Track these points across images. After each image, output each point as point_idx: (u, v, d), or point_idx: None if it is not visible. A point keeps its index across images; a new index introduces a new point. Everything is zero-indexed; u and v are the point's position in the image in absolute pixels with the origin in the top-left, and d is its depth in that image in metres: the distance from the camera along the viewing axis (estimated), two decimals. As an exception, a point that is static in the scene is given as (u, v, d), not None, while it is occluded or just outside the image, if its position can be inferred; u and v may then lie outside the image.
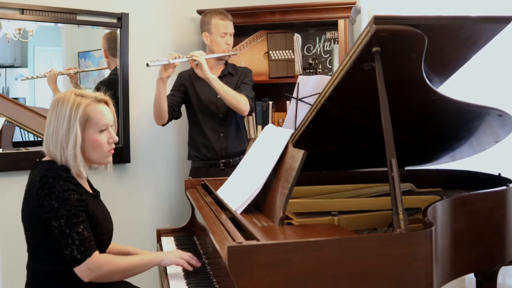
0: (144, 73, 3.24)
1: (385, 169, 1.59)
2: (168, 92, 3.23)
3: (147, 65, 2.88)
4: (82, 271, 1.83)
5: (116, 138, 2.01)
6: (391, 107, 1.64)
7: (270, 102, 3.73)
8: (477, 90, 3.19)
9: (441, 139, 2.39)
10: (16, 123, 3.05)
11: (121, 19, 3.35)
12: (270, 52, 3.67)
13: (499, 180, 2.34)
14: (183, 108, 3.33)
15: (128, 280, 2.05)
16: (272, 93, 3.77)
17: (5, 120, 2.97)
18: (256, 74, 3.43)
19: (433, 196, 2.19)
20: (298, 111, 2.83)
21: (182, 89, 3.27)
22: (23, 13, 3.00)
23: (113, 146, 2.01)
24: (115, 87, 3.35)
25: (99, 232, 1.96)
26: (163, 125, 3.20)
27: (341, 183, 2.51)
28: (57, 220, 1.82)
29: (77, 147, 1.90)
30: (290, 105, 2.90)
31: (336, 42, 3.61)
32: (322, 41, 3.74)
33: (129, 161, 3.45)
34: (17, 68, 3.13)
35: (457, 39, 1.88)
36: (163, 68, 3.00)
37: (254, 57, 3.72)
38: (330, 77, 1.96)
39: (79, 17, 3.20)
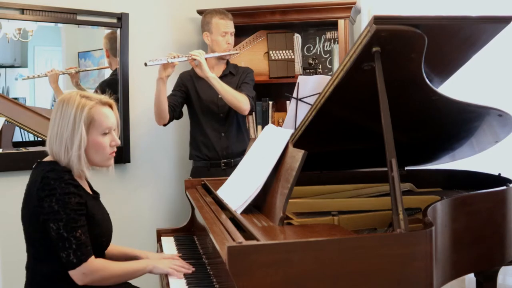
0: (144, 73, 3.24)
1: (385, 169, 1.59)
2: (169, 92, 3.23)
3: (145, 64, 2.89)
4: (77, 275, 1.85)
5: (118, 142, 2.02)
6: (391, 107, 1.64)
7: (270, 102, 3.74)
8: (477, 90, 3.19)
9: (441, 139, 2.39)
10: (16, 123, 3.04)
11: (121, 19, 3.35)
12: (270, 52, 3.68)
13: (499, 180, 2.34)
14: (184, 108, 3.33)
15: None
16: (272, 93, 3.77)
17: (5, 120, 2.97)
18: (256, 74, 3.43)
19: (433, 196, 2.19)
20: (298, 111, 2.83)
21: (183, 89, 3.27)
22: (23, 13, 3.00)
23: (115, 149, 2.02)
24: (116, 87, 3.35)
25: (99, 234, 1.96)
26: (164, 125, 3.20)
27: (341, 183, 2.50)
28: (55, 223, 1.83)
29: (81, 149, 1.90)
30: (290, 105, 2.90)
31: (336, 42, 3.61)
32: (322, 41, 3.74)
33: (129, 161, 3.45)
34: (17, 68, 3.13)
35: (457, 39, 1.88)
36: (162, 68, 3.00)
37: (254, 57, 3.72)
38: (330, 77, 1.96)
39: (79, 17, 3.20)
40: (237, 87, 3.22)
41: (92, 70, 3.37)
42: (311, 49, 3.77)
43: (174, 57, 3.01)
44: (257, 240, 1.49)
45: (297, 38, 3.70)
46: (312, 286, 1.43)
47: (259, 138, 2.16)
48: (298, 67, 3.69)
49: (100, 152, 1.97)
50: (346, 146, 2.35)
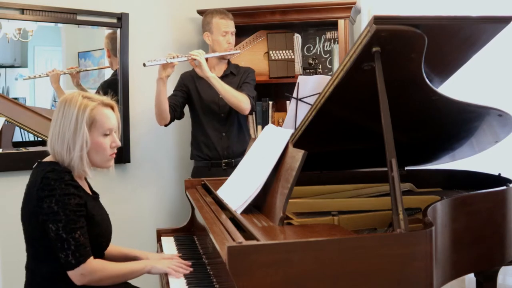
0: (144, 73, 3.24)
1: (385, 169, 1.59)
2: (170, 92, 3.23)
3: (144, 65, 2.89)
4: (75, 275, 1.85)
5: (119, 143, 2.03)
6: (391, 107, 1.64)
7: (270, 102, 3.73)
8: (477, 90, 3.19)
9: (441, 139, 2.39)
10: (16, 123, 3.04)
11: (121, 19, 3.35)
12: (270, 52, 3.67)
13: (499, 180, 2.34)
14: (185, 109, 3.33)
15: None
16: (272, 93, 3.77)
17: (5, 120, 2.97)
18: (256, 74, 3.42)
19: (433, 196, 2.19)
20: (298, 111, 2.83)
21: (184, 89, 3.28)
22: (23, 13, 3.00)
23: (115, 150, 2.03)
24: (117, 88, 3.35)
25: (99, 234, 1.97)
26: (166, 125, 3.20)
27: (341, 183, 2.51)
28: (55, 224, 1.83)
29: (84, 149, 1.91)
30: (290, 105, 2.90)
31: (336, 42, 3.61)
32: (322, 41, 3.74)
33: (129, 161, 3.45)
34: (17, 68, 3.13)
35: (457, 39, 1.88)
36: (162, 68, 3.00)
37: (254, 57, 3.72)
38: (330, 77, 1.96)
39: (79, 17, 3.20)
40: (238, 87, 3.22)
41: (93, 70, 3.37)
42: (311, 49, 3.77)
43: (173, 57, 3.01)
44: (257, 240, 1.49)
45: (297, 38, 3.70)
46: (312, 286, 1.43)
47: (259, 138, 2.16)
48: (298, 67, 3.69)
49: (100, 153, 1.97)
50: (346, 146, 2.35)
